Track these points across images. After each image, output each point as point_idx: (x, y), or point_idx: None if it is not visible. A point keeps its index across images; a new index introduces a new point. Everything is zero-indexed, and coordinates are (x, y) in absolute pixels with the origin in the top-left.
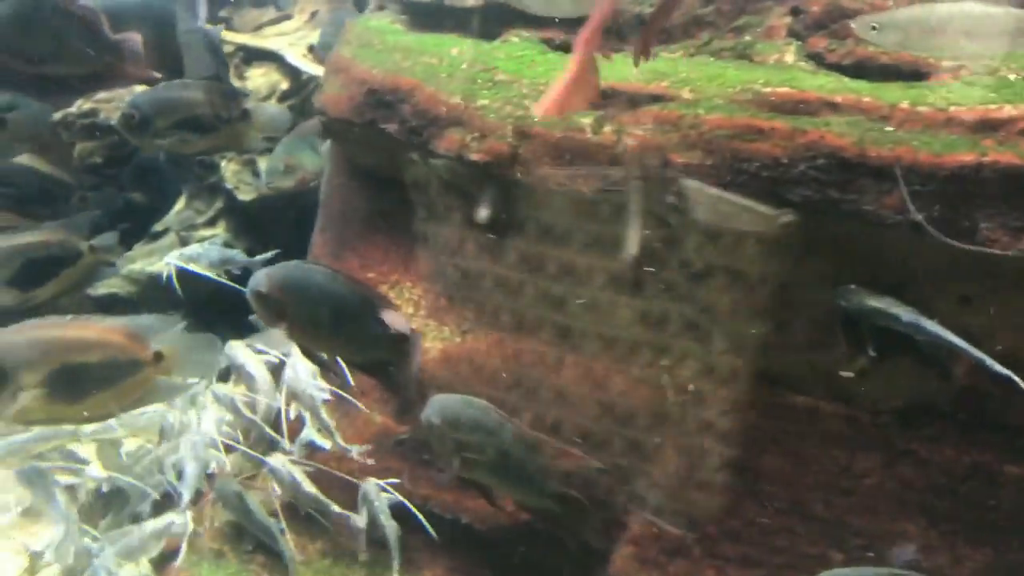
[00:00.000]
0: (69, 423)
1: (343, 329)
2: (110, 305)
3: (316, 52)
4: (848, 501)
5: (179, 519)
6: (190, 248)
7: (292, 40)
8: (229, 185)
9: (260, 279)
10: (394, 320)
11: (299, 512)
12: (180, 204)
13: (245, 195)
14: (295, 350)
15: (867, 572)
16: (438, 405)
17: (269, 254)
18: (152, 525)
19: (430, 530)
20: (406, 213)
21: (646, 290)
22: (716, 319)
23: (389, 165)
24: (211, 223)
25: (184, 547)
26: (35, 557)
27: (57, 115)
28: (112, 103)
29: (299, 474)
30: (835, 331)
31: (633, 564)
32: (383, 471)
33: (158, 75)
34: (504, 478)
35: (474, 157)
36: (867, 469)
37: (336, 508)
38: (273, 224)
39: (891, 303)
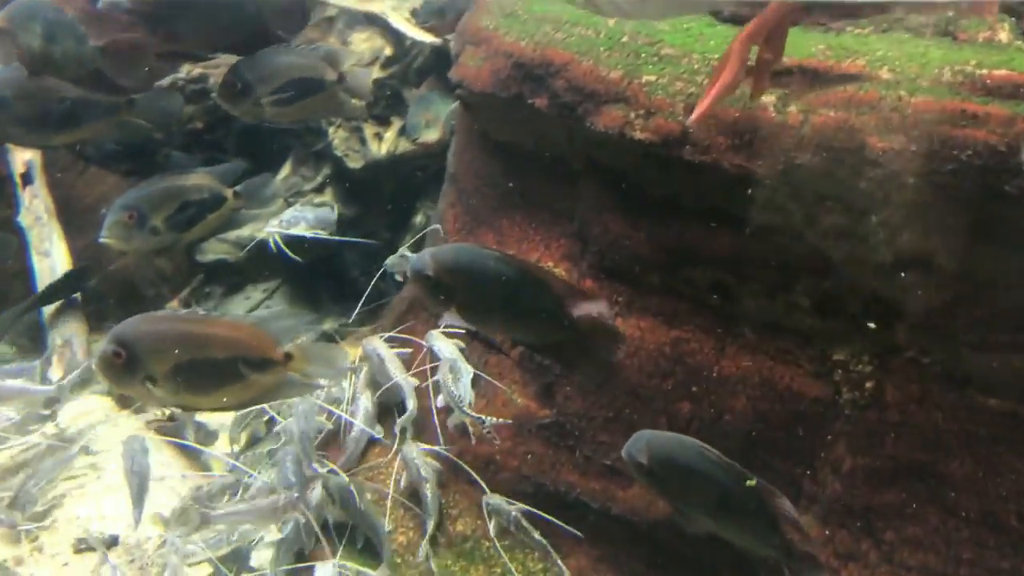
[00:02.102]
0: (200, 410)
1: (518, 312)
2: (217, 271)
3: (419, 16)
4: None
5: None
6: (287, 213)
7: (395, 3)
8: (338, 152)
9: (425, 261)
10: (581, 304)
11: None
12: (286, 170)
13: (354, 163)
14: (437, 337)
15: None
16: (644, 443)
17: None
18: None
19: (570, 528)
20: (547, 190)
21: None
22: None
23: (531, 141)
24: (319, 190)
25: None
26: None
27: (166, 80)
28: (220, 68)
29: (427, 471)
30: None
31: None
32: (524, 455)
33: None
34: (724, 523)
35: (639, 136)
36: None
37: (430, 525)
38: (376, 192)
39: None
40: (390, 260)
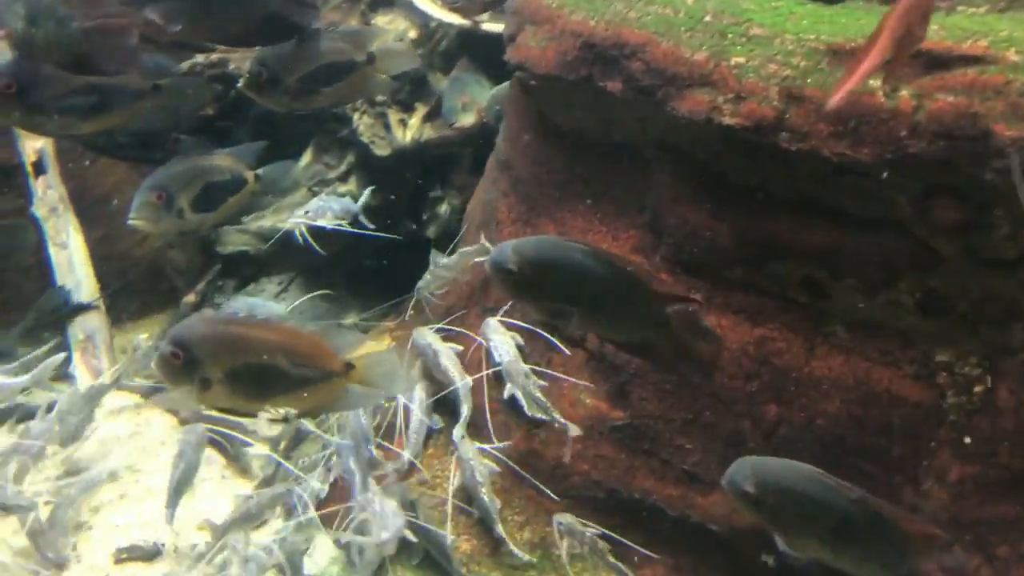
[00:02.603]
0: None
1: (607, 308)
2: (238, 262)
3: None
4: None
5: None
6: (313, 203)
7: None
8: (364, 139)
9: (507, 255)
10: (674, 301)
11: None
12: (307, 158)
13: (381, 150)
14: (495, 330)
15: None
16: (750, 470)
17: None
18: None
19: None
20: (614, 178)
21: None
22: None
23: (598, 126)
24: (343, 178)
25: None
26: None
27: (184, 64)
28: (239, 53)
29: (482, 474)
30: None
31: None
32: (595, 459)
33: None
34: (843, 554)
35: (728, 122)
36: None
37: (500, 530)
38: (400, 180)
39: None
40: (421, 283)
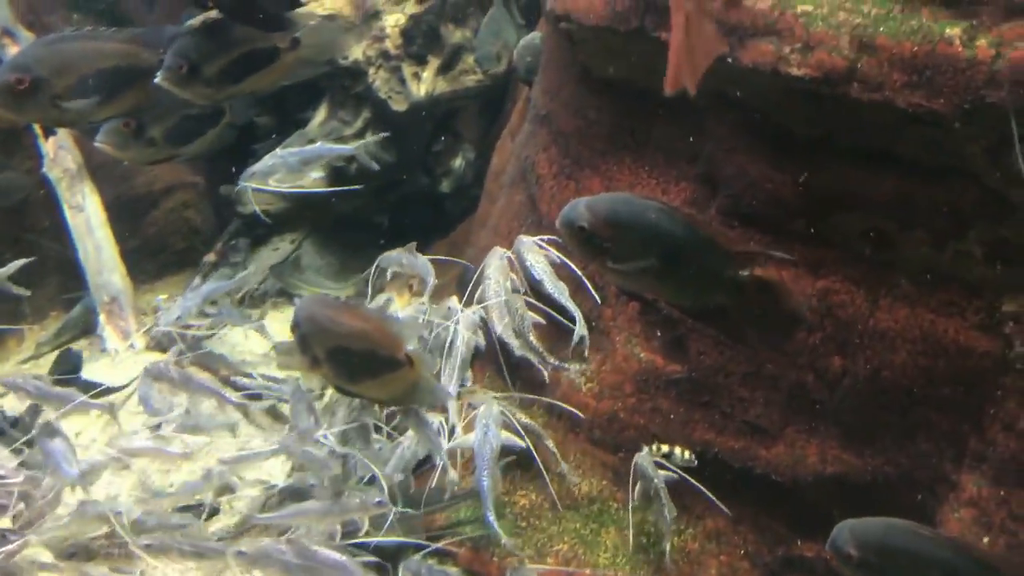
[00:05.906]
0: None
1: (678, 271)
2: (254, 222)
3: None
4: None
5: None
6: (260, 163)
7: None
8: (381, 95)
9: (580, 211)
10: (751, 265)
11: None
12: (322, 115)
13: (398, 105)
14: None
15: None
16: (847, 532)
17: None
18: None
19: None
20: (663, 130)
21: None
22: None
23: (646, 78)
24: (359, 135)
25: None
26: None
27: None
28: None
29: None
30: None
31: (973, 528)
32: (651, 412)
33: None
34: None
35: (796, 72)
36: None
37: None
38: (414, 135)
39: None
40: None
